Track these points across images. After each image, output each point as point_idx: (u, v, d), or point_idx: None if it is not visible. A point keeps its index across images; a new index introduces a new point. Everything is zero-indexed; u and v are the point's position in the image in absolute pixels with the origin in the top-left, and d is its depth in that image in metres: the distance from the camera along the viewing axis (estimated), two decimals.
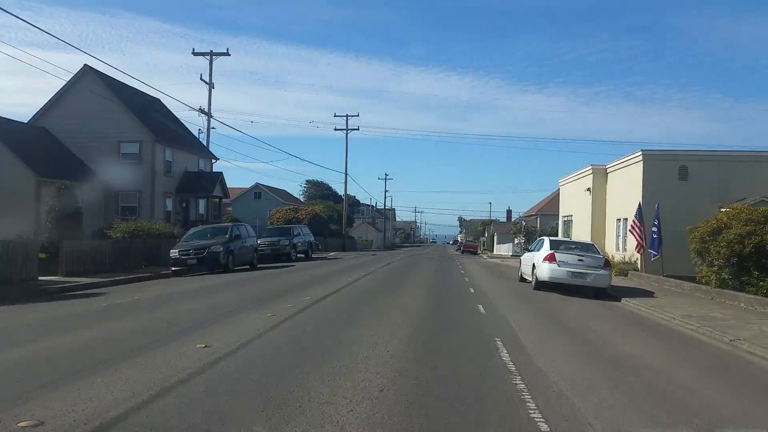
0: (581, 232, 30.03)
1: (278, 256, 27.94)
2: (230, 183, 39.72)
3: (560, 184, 36.66)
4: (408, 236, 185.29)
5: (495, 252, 66.42)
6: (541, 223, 53.43)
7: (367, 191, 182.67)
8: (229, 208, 56.97)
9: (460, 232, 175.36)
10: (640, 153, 21.97)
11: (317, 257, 33.66)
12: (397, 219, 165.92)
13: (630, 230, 18.89)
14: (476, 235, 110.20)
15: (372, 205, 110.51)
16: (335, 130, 53.60)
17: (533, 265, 16.83)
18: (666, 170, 21.42)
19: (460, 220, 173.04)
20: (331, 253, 41.40)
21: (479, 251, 77.35)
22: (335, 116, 57.44)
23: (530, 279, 17.22)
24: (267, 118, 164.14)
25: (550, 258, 15.75)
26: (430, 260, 35.22)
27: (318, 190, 74.05)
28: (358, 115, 52.01)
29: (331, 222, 62.62)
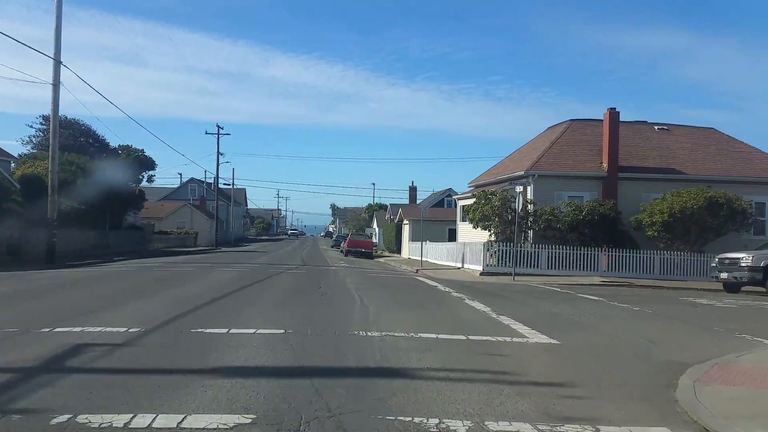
0: None
1: None
2: None
3: None
4: (269, 226, 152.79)
5: (409, 255, 37.61)
6: (537, 193, 25.32)
7: (200, 165, 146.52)
8: None
9: (333, 222, 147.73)
10: None
11: None
12: (258, 206, 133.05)
13: None
14: (360, 226, 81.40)
15: (209, 182, 76.69)
16: None
17: None
18: None
19: (334, 207, 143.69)
20: None
21: (375, 252, 48.14)
22: None
23: None
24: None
25: None
26: None
27: (67, 137, 39.72)
28: None
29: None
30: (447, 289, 15.27)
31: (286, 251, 44.12)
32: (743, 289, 19.96)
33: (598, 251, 23.27)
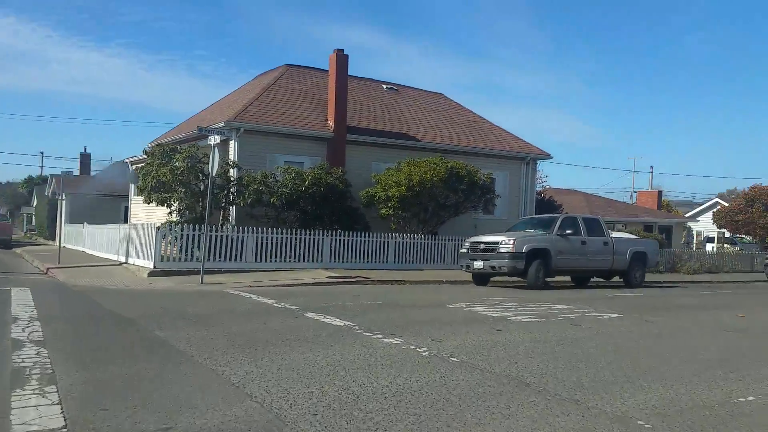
0: None
1: None
2: None
3: None
4: None
5: (65, 243, 26.62)
6: (243, 154, 18.21)
7: None
8: None
9: None
10: None
11: None
12: None
13: None
14: (16, 204, 63.71)
15: None
16: None
17: None
18: None
19: None
20: None
21: (27, 239, 35.49)
22: None
23: None
24: None
25: None
26: None
27: None
28: None
29: None
30: (32, 344, 7.00)
31: None
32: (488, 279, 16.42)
33: (322, 235, 17.41)
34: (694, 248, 39.21)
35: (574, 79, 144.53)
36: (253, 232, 16.29)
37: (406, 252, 19.22)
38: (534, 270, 14.84)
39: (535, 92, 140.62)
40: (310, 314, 8.88)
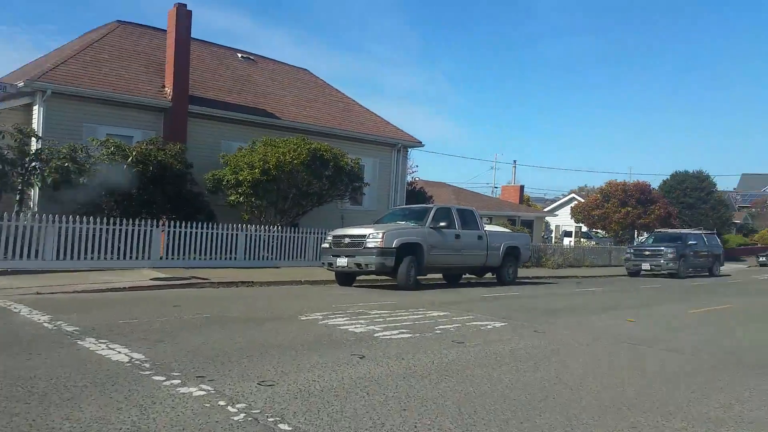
0: None
1: None
2: None
3: None
4: None
5: None
6: (51, 123, 14.44)
7: None
8: None
9: None
10: None
11: None
12: None
13: None
14: None
15: None
16: None
17: None
18: None
19: None
20: None
21: None
22: None
23: None
24: None
25: None
26: None
27: None
28: None
29: None
30: None
31: None
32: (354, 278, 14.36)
33: (151, 226, 14.23)
34: (553, 242, 40.44)
35: (442, 77, 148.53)
36: (54, 222, 12.72)
37: (259, 247, 16.58)
38: (405, 268, 12.98)
39: (405, 89, 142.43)
40: (89, 341, 6.09)
